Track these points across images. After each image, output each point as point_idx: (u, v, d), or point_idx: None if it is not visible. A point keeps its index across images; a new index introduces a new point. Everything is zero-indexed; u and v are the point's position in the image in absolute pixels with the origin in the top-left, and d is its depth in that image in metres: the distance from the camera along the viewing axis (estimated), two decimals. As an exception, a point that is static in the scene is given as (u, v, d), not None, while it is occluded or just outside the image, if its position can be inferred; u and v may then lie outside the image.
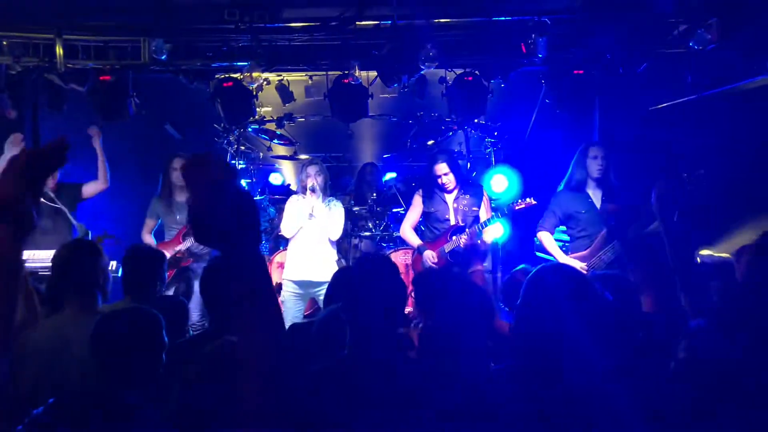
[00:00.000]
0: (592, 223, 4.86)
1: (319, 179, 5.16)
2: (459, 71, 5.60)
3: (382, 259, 2.29)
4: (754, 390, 2.06)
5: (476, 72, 5.53)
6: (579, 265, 4.73)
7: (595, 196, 4.93)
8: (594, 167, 4.85)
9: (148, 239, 5.56)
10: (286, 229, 5.30)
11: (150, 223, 5.66)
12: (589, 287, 2.01)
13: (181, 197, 5.49)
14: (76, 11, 5.25)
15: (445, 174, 5.14)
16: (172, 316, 3.02)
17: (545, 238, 5.02)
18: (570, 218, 4.96)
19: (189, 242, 5.35)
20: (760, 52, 4.66)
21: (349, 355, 2.06)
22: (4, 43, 5.28)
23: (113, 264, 5.39)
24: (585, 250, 4.85)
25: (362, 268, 2.23)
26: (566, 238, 5.24)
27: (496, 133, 6.98)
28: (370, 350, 2.04)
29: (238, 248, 1.14)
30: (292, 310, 5.18)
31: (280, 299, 5.55)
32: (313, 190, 5.12)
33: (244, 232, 1.13)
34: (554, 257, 4.91)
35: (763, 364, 2.14)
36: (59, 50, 5.24)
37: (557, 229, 5.18)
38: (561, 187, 5.08)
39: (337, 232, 5.28)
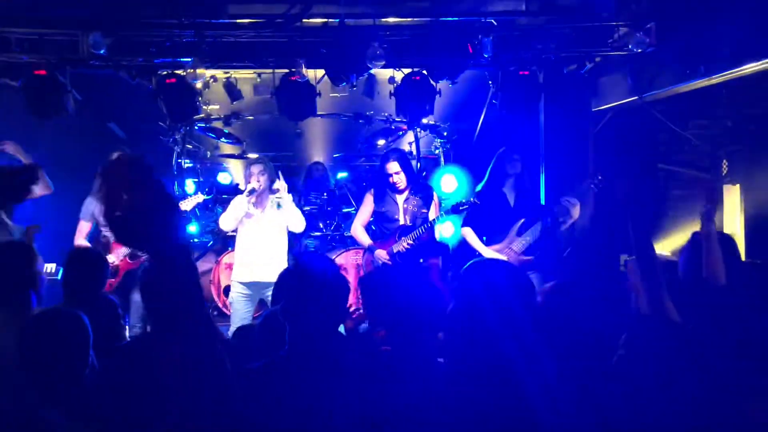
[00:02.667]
0: (506, 218, 5.12)
1: (262, 179, 5.09)
2: (407, 71, 5.63)
3: (318, 256, 2.28)
4: (693, 385, 2.14)
5: (424, 72, 5.56)
6: (495, 256, 4.94)
7: (509, 194, 5.19)
8: (509, 167, 5.14)
9: (83, 244, 5.27)
10: (222, 222, 5.25)
11: (84, 227, 5.39)
12: (523, 278, 2.04)
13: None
14: (11, 1, 5.03)
15: (396, 173, 5.15)
16: (104, 317, 2.94)
17: (467, 232, 5.24)
18: (488, 215, 5.17)
19: None
20: (694, 56, 4.84)
21: (288, 354, 2.03)
22: (-69, 34, 5.01)
23: (52, 267, 5.20)
24: (500, 243, 5.13)
25: (297, 266, 2.21)
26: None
27: (445, 134, 7.05)
28: (308, 349, 2.02)
29: (160, 247, 1.12)
30: (240, 311, 5.10)
31: (228, 300, 5.46)
32: (252, 192, 5.05)
33: (162, 230, 1.10)
34: (478, 251, 5.14)
35: (703, 355, 2.22)
36: (-10, 43, 5.01)
37: None
38: (479, 188, 5.33)
39: (299, 223, 5.21)
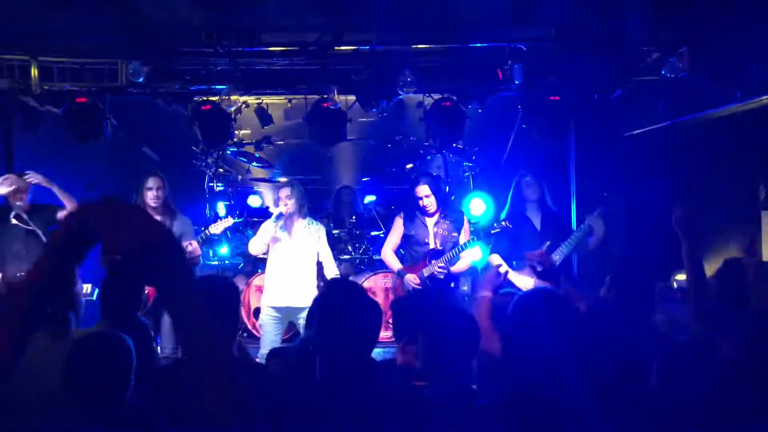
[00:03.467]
0: (533, 242, 5.04)
1: (290, 203, 5.14)
2: (437, 96, 5.67)
3: (349, 285, 2.28)
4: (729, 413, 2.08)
5: (453, 97, 5.60)
6: (525, 281, 4.94)
7: (534, 217, 5.16)
8: (528, 194, 5.15)
9: None
10: (251, 246, 5.31)
11: None
12: (569, 309, 2.03)
13: (156, 218, 5.35)
14: (53, 32, 5.22)
15: (427, 196, 5.14)
16: (137, 339, 2.97)
17: (496, 259, 5.17)
18: (515, 241, 5.11)
19: None
20: (729, 80, 4.79)
21: (320, 382, 2.04)
22: (-22, 65, 5.22)
23: (88, 287, 5.30)
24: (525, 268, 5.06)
25: (327, 295, 2.20)
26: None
27: (474, 157, 7.04)
28: (339, 378, 2.02)
29: (166, 282, 1.14)
30: (270, 334, 5.12)
31: (258, 323, 5.49)
32: (279, 217, 5.11)
33: (167, 270, 1.13)
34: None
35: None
36: (34, 72, 5.20)
37: None
38: (503, 215, 5.27)
39: (333, 267, 5.36)
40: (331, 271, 5.35)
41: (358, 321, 2.08)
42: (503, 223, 5.04)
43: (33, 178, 5.14)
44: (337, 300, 2.15)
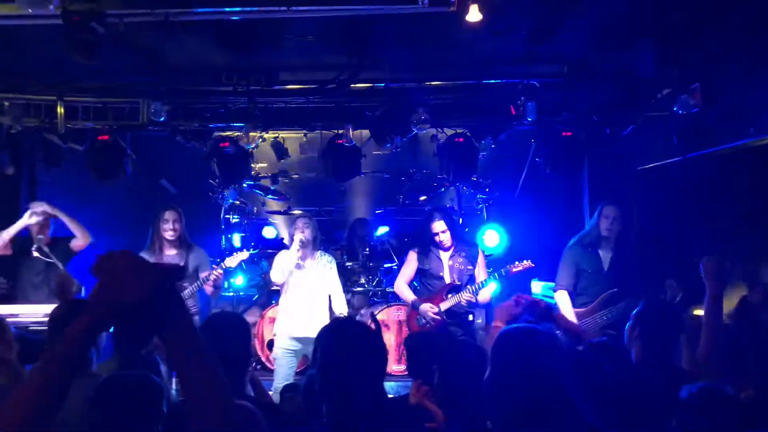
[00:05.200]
0: (595, 282, 4.80)
1: (306, 232, 5.20)
2: (450, 131, 5.75)
3: (351, 324, 2.28)
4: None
5: (467, 133, 5.68)
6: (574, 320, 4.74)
7: (605, 257, 4.87)
8: (603, 226, 4.83)
9: None
10: (273, 275, 5.32)
11: None
12: (559, 349, 2.02)
13: (170, 251, 5.38)
14: (77, 72, 5.38)
15: (443, 231, 5.16)
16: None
17: (562, 299, 4.85)
18: (575, 274, 4.90)
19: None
20: (741, 116, 4.82)
21: (327, 423, 2.05)
22: (6, 104, 5.38)
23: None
24: (582, 307, 4.80)
25: (328, 334, 2.18)
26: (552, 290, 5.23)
27: (487, 190, 7.10)
28: (347, 417, 2.01)
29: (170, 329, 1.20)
30: (284, 367, 5.13)
31: (272, 355, 5.49)
32: (301, 243, 5.16)
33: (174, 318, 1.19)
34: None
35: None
36: (60, 112, 5.34)
37: (546, 286, 5.19)
38: (573, 241, 5.02)
39: (342, 302, 5.40)
40: (340, 306, 5.36)
41: (361, 360, 2.07)
42: (525, 263, 5.00)
43: (38, 206, 5.24)
44: (338, 339, 2.14)
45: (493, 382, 1.97)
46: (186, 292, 5.18)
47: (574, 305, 4.85)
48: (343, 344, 2.12)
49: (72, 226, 5.37)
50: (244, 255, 5.82)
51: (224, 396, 1.20)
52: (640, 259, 5.07)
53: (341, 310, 5.34)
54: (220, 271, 5.22)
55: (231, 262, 5.56)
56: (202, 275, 5.23)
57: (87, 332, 1.20)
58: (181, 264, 5.28)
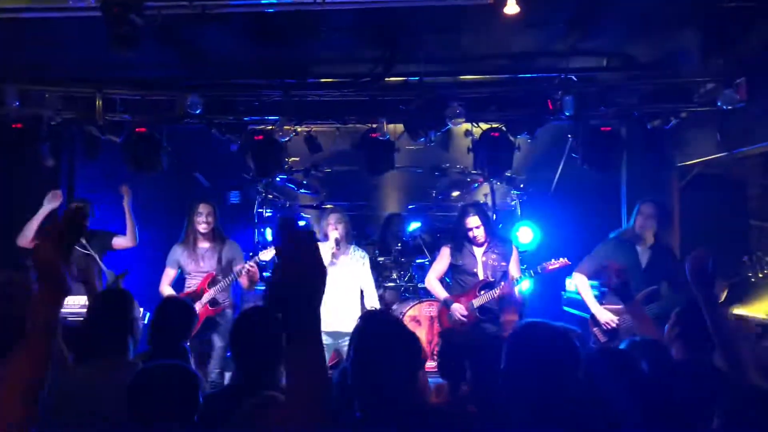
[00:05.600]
0: (633, 279, 4.72)
1: (340, 228, 5.19)
2: (485, 126, 5.67)
3: (386, 317, 2.26)
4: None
5: (502, 127, 5.59)
6: (610, 317, 4.74)
7: (643, 255, 4.85)
8: (638, 223, 4.84)
9: (168, 291, 5.38)
10: None
11: (170, 273, 5.46)
12: (573, 345, 2.00)
13: (204, 244, 5.42)
14: (115, 65, 5.46)
15: (477, 227, 5.10)
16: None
17: (581, 281, 4.92)
18: (602, 267, 4.79)
19: (215, 291, 5.29)
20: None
21: (361, 420, 2.04)
22: (47, 96, 5.49)
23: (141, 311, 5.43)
24: (619, 304, 4.66)
25: (363, 328, 2.17)
26: (597, 289, 5.13)
27: (522, 186, 6.99)
28: (379, 413, 2.00)
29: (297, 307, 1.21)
30: (315, 361, 5.14)
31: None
32: (337, 242, 5.15)
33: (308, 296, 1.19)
34: (586, 304, 4.88)
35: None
36: (99, 104, 5.43)
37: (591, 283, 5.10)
38: (612, 235, 5.06)
39: (374, 297, 5.39)
40: (372, 300, 5.35)
41: (395, 354, 2.05)
42: (561, 260, 4.92)
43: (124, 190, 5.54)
44: (373, 333, 2.13)
45: (508, 374, 1.99)
46: (220, 285, 5.23)
47: (612, 302, 4.79)
48: (378, 338, 2.10)
49: (129, 224, 5.53)
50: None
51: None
52: (678, 258, 4.99)
53: (373, 304, 5.32)
54: (254, 264, 5.24)
55: (265, 255, 5.58)
56: (236, 268, 5.27)
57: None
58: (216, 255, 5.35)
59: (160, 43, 5.01)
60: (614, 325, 4.72)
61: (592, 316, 4.87)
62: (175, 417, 2.19)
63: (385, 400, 2.01)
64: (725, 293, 4.33)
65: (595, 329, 4.84)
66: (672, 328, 2.96)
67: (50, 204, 5.37)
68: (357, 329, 2.19)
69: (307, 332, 1.23)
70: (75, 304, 4.95)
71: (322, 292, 1.31)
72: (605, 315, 4.78)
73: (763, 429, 2.10)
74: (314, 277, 1.23)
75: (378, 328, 2.16)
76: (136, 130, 5.52)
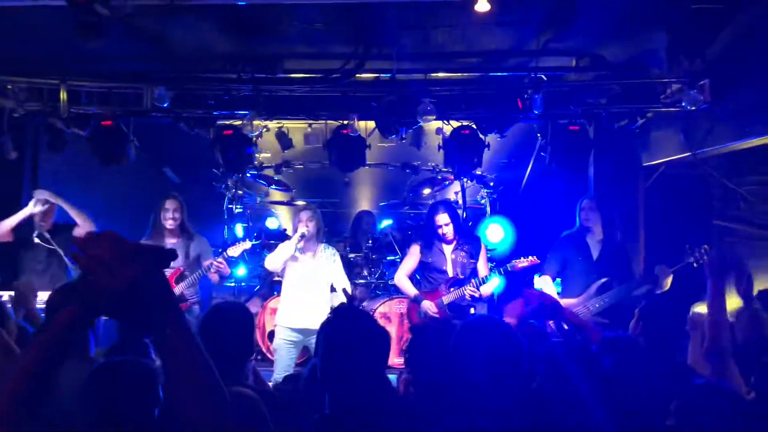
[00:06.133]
0: (586, 272, 4.96)
1: (311, 225, 5.17)
2: (456, 123, 5.70)
3: (355, 312, 2.27)
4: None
5: (473, 125, 5.62)
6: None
7: (594, 248, 5.04)
8: (582, 218, 5.06)
9: None
10: (268, 262, 5.29)
11: None
12: (516, 340, 2.04)
13: (171, 239, 5.36)
14: (81, 57, 5.35)
15: (446, 224, 5.14)
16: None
17: (544, 282, 5.12)
18: (566, 264, 5.07)
19: (182, 287, 5.23)
20: (750, 114, 4.77)
21: (330, 414, 2.04)
22: (9, 87, 5.35)
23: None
24: (575, 297, 4.92)
25: (332, 322, 2.18)
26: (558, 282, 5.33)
27: (492, 184, 7.05)
28: (348, 407, 2.01)
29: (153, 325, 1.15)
30: (284, 358, 5.11)
31: (272, 346, 5.46)
32: (302, 237, 5.13)
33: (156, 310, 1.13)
34: None
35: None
36: (63, 96, 5.31)
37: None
38: (564, 233, 5.22)
39: (346, 284, 5.35)
40: (344, 284, 5.33)
41: (364, 348, 2.06)
42: (530, 258, 4.99)
43: (42, 194, 5.26)
44: (342, 327, 2.13)
45: (454, 370, 2.04)
46: (187, 281, 5.17)
47: (568, 295, 5.00)
48: (346, 331, 2.10)
49: (74, 213, 5.36)
50: (247, 245, 5.79)
51: (212, 384, 1.16)
52: (627, 249, 5.31)
53: (344, 286, 5.30)
54: (222, 260, 5.19)
55: (233, 251, 5.53)
56: (205, 264, 5.21)
57: (75, 320, 1.17)
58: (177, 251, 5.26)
59: (127, 35, 4.93)
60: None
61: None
62: (133, 413, 2.16)
63: (355, 394, 2.01)
64: (670, 280, 4.58)
65: (550, 322, 4.99)
66: (635, 325, 3.04)
67: (36, 205, 5.23)
68: (325, 323, 2.18)
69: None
70: (39, 300, 4.83)
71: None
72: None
73: (717, 424, 2.16)
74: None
75: (347, 323, 2.16)
76: (102, 123, 5.41)
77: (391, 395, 2.67)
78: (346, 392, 2.02)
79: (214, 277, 5.26)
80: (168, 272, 5.41)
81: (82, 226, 5.37)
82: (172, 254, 1.19)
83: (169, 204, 5.26)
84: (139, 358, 2.39)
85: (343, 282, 5.36)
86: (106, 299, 1.10)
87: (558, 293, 5.14)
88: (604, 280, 4.80)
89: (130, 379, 2.20)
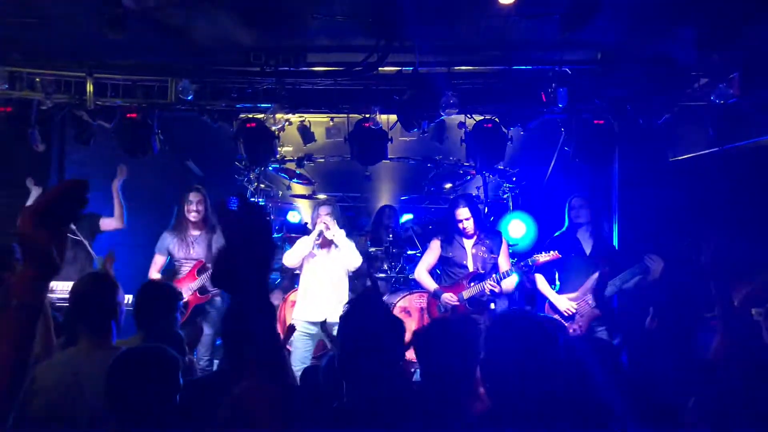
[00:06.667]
0: (581, 267, 5.09)
1: (329, 221, 5.17)
2: (478, 117, 5.65)
3: (371, 303, 2.26)
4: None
5: (495, 119, 5.57)
6: (569, 305, 5.06)
7: (586, 243, 5.18)
8: (572, 216, 5.23)
9: (156, 277, 5.38)
10: (287, 258, 5.33)
11: (159, 260, 5.47)
12: (548, 336, 2.02)
13: (195, 231, 5.40)
14: (106, 50, 5.41)
15: (467, 219, 5.12)
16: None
17: (539, 279, 5.27)
18: (561, 262, 5.13)
19: (204, 279, 5.28)
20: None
21: (347, 402, 2.05)
22: (37, 80, 5.44)
23: (129, 298, 5.41)
24: (573, 292, 5.10)
25: (349, 314, 2.18)
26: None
27: (514, 179, 6.99)
28: (364, 398, 2.02)
29: (246, 293, 1.16)
30: (301, 350, 5.14)
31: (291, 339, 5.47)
32: (320, 234, 5.14)
33: (255, 277, 1.15)
34: (546, 296, 5.21)
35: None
36: (90, 88, 5.39)
37: None
38: (556, 234, 5.38)
39: (356, 260, 5.29)
40: (353, 260, 5.27)
41: (380, 339, 2.06)
42: (552, 253, 4.97)
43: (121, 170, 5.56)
44: (359, 318, 2.14)
45: (488, 364, 2.02)
46: (209, 273, 5.21)
47: (567, 290, 5.16)
48: (361, 322, 2.12)
49: (117, 206, 5.50)
50: None
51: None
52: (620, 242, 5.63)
53: (355, 263, 5.28)
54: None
55: None
56: None
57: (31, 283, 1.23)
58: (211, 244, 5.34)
59: (152, 28, 4.97)
60: (573, 311, 5.05)
61: (551, 304, 5.17)
62: (153, 400, 2.19)
63: (371, 385, 2.02)
64: (660, 268, 4.75)
65: (555, 316, 5.10)
66: (651, 320, 3.04)
67: (34, 192, 5.36)
68: (343, 315, 2.18)
69: (256, 302, 1.19)
70: (64, 289, 4.90)
71: (271, 260, 1.26)
72: (564, 303, 5.09)
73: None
74: (261, 245, 1.20)
75: (364, 314, 2.16)
76: (128, 115, 5.48)
77: (406, 386, 2.66)
78: (362, 382, 2.04)
79: None
80: (190, 264, 5.51)
81: (116, 221, 5.55)
82: (79, 184, 1.28)
83: (193, 196, 5.33)
84: (160, 345, 2.41)
85: (356, 258, 5.30)
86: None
87: (556, 291, 5.25)
88: (596, 275, 4.96)
89: (150, 366, 2.23)
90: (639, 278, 4.84)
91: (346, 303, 2.25)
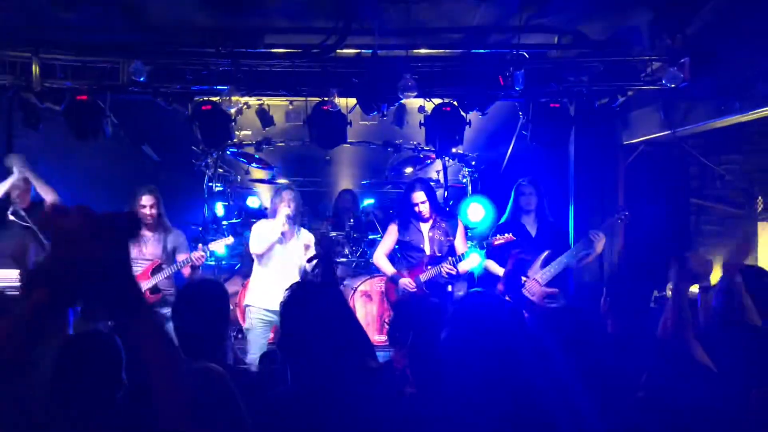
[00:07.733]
0: (528, 249, 5.15)
1: (293, 206, 5.13)
2: (438, 101, 5.67)
3: (311, 289, 2.26)
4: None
5: (454, 102, 5.59)
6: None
7: (531, 227, 5.32)
8: (522, 201, 5.31)
9: None
10: (255, 245, 5.20)
11: None
12: (511, 313, 2.05)
13: (147, 233, 5.25)
14: (54, 28, 5.21)
15: (422, 202, 5.15)
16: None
17: (491, 265, 5.37)
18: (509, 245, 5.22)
19: (157, 278, 5.16)
20: (729, 92, 4.79)
21: (291, 388, 2.05)
22: (-22, 60, 5.21)
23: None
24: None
25: (290, 299, 2.16)
26: None
27: (473, 163, 7.05)
28: (307, 385, 2.01)
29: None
30: (259, 336, 5.10)
31: (245, 326, 5.39)
32: (288, 218, 5.08)
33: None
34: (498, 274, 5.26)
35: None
36: (36, 69, 5.18)
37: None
38: (501, 221, 5.48)
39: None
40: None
41: (321, 322, 2.05)
42: (507, 235, 5.04)
43: (16, 161, 5.23)
44: (298, 302, 2.13)
45: (450, 342, 2.03)
46: (163, 273, 5.12)
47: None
48: (300, 307, 2.10)
49: (36, 183, 5.29)
50: (229, 240, 5.76)
51: (175, 367, 1.14)
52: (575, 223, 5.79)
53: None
54: (202, 254, 5.19)
55: (216, 246, 5.53)
56: (180, 258, 5.18)
57: (45, 305, 1.09)
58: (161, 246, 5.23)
59: (103, 7, 4.81)
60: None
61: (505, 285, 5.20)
62: (96, 392, 2.14)
63: (313, 368, 2.01)
64: (602, 243, 5.02)
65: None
66: (603, 302, 3.13)
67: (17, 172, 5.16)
68: (283, 301, 2.16)
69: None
70: (11, 277, 4.75)
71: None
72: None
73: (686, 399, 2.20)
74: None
75: (302, 299, 2.15)
76: (77, 97, 5.30)
77: (356, 368, 2.67)
78: (304, 366, 2.03)
79: (186, 271, 5.22)
80: (143, 264, 5.39)
81: (47, 199, 5.29)
82: (134, 218, 1.18)
83: (146, 200, 5.14)
84: (109, 333, 2.35)
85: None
86: (71, 276, 1.05)
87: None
88: (546, 252, 5.10)
89: (94, 355, 2.18)
90: (584, 253, 5.04)
91: (287, 288, 2.22)
